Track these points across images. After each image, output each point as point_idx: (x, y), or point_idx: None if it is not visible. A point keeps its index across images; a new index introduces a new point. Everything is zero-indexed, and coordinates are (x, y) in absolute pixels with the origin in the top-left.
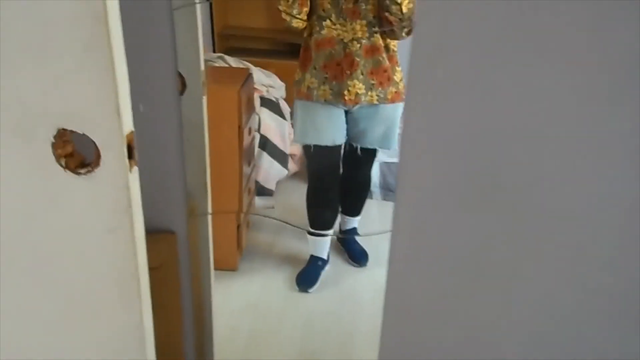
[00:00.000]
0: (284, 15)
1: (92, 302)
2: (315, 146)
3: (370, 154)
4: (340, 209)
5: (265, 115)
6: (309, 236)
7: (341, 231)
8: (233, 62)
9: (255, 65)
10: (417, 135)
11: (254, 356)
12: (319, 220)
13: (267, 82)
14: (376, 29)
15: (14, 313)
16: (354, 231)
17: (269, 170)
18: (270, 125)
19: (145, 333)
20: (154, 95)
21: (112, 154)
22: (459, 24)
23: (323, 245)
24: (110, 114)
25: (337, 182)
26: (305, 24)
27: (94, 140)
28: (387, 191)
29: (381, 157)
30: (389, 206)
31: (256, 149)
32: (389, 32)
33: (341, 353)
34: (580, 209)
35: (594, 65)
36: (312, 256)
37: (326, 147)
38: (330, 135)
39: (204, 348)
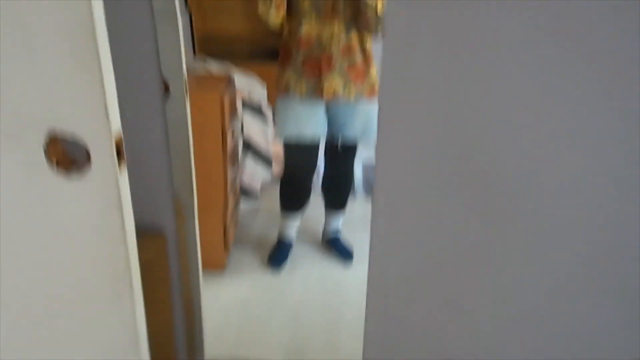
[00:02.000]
0: (260, 11)
1: (85, 301)
2: (295, 139)
3: (351, 149)
4: (324, 206)
5: (248, 119)
6: (281, 219)
7: (324, 235)
8: (214, 66)
9: (236, 68)
10: (393, 127)
11: (244, 352)
12: (290, 205)
13: (248, 85)
14: (354, 28)
15: (5, 312)
16: (336, 232)
17: (253, 173)
18: (253, 129)
19: (138, 330)
20: (139, 99)
21: (102, 155)
22: (431, 16)
23: (293, 227)
24: (99, 116)
25: (312, 174)
26: (281, 21)
27: (84, 141)
28: (371, 188)
29: (364, 154)
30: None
31: (240, 152)
32: (367, 29)
33: (328, 345)
34: (553, 198)
35: (582, 61)
36: (280, 239)
37: (305, 141)
38: (310, 129)
39: (194, 345)
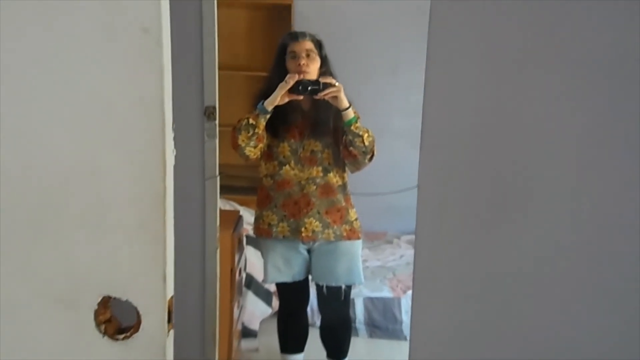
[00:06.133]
0: (240, 141)
1: None
2: (279, 283)
3: (341, 294)
4: (326, 355)
5: (251, 253)
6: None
7: None
8: (220, 203)
9: (240, 203)
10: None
11: None
12: (288, 344)
13: (251, 220)
14: (331, 173)
15: None
16: None
17: (254, 311)
18: (256, 263)
19: None
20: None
21: (153, 319)
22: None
23: None
24: (156, 284)
25: (305, 309)
26: (257, 156)
27: (137, 306)
28: (373, 328)
29: (364, 292)
30: (376, 344)
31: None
32: (353, 164)
33: None
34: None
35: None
36: None
37: (287, 283)
38: (289, 271)
39: None
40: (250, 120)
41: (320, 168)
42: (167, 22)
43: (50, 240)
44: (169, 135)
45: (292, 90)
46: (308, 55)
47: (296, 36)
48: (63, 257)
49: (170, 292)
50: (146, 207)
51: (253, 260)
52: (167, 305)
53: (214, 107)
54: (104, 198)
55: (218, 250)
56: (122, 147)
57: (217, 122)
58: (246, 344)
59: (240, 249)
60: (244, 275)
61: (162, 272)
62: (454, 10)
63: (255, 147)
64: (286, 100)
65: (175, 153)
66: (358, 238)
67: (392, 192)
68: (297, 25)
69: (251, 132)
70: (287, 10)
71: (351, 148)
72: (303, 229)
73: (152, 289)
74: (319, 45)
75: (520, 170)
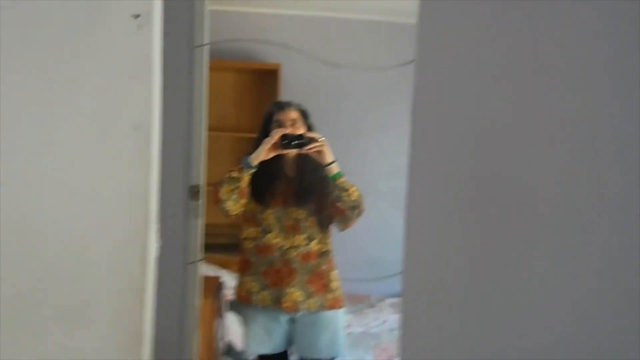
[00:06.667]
0: (220, 194)
1: None
2: (259, 355)
3: None
4: None
5: (231, 320)
6: None
7: None
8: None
9: (222, 266)
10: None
11: None
12: None
13: (232, 284)
14: (315, 241)
15: None
16: None
17: None
18: (236, 330)
19: None
20: None
21: None
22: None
23: None
24: None
25: None
26: (237, 212)
27: None
28: None
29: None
30: None
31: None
32: (342, 221)
33: None
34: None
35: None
36: None
37: (267, 355)
38: (270, 342)
39: None
40: (234, 174)
41: (303, 236)
42: (157, 117)
43: (27, 333)
44: (152, 230)
45: (277, 145)
46: (293, 124)
47: (282, 106)
48: (40, 350)
49: None
50: (125, 301)
51: (233, 327)
52: None
53: (198, 186)
54: (84, 293)
55: (197, 330)
56: (105, 243)
57: (200, 202)
58: None
59: (220, 316)
60: (222, 342)
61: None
62: (437, 70)
63: (236, 202)
64: (271, 155)
65: (159, 244)
66: (341, 307)
67: (376, 279)
68: (284, 88)
69: (234, 186)
70: (274, 74)
71: (339, 204)
72: (284, 299)
73: None
74: (304, 114)
75: (512, 232)
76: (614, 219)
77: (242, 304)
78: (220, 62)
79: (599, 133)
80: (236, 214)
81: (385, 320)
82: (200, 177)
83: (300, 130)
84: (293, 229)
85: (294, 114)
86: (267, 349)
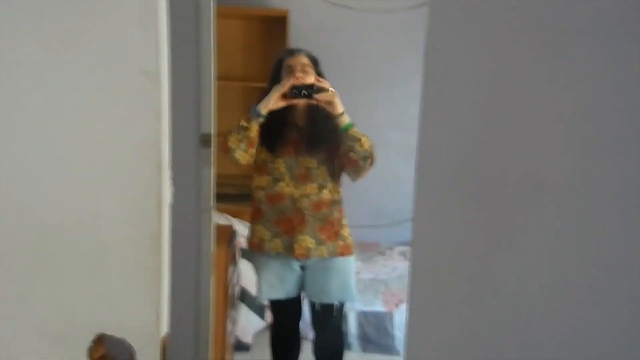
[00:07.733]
0: (229, 144)
1: None
2: (272, 300)
3: (333, 312)
4: None
5: (245, 267)
6: None
7: None
8: (214, 216)
9: (233, 215)
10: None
11: None
12: (282, 359)
13: (245, 232)
14: (326, 189)
15: None
16: None
17: (247, 324)
18: (249, 277)
19: None
20: None
21: (147, 357)
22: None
23: None
24: (151, 322)
25: (298, 325)
26: (247, 163)
27: (131, 344)
28: (367, 343)
29: (358, 306)
30: (370, 359)
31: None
32: (354, 171)
33: None
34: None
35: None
36: None
37: (280, 300)
38: (283, 288)
39: None
40: (242, 122)
41: (315, 185)
42: (166, 64)
43: (48, 280)
44: (166, 176)
45: (286, 95)
46: (304, 70)
47: (292, 52)
48: (61, 297)
49: (164, 330)
50: (143, 249)
51: (246, 274)
52: (161, 343)
53: (210, 135)
54: (103, 241)
55: (213, 275)
56: (120, 190)
57: (212, 149)
58: (239, 357)
59: (234, 263)
60: (237, 288)
61: (156, 311)
62: (452, 18)
63: (245, 151)
64: (281, 104)
65: (172, 191)
66: (351, 254)
67: (383, 225)
68: (293, 36)
69: (242, 135)
70: (282, 21)
71: (351, 154)
72: (296, 246)
73: (147, 327)
74: (314, 61)
75: (522, 177)
76: (616, 216)
77: (254, 251)
78: (227, 9)
79: (611, 131)
80: (247, 164)
81: (395, 267)
82: (211, 125)
83: (311, 77)
84: (304, 178)
85: (304, 59)
86: (280, 294)
